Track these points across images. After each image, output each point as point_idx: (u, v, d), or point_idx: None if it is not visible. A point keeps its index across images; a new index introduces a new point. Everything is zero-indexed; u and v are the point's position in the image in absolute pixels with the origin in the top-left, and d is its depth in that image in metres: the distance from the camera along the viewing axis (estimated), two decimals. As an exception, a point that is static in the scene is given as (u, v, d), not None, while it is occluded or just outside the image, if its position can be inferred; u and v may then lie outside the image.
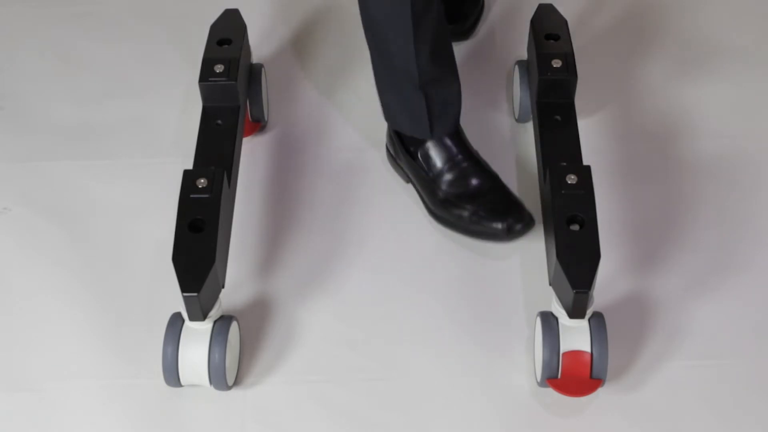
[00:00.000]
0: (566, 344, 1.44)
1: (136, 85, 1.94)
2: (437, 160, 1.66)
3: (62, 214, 1.73)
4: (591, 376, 1.44)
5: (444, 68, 1.60)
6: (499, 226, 1.62)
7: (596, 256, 1.42)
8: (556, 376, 1.44)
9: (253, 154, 1.80)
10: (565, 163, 1.56)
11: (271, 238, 1.70)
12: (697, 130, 1.83)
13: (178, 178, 1.52)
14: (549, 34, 1.72)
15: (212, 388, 1.48)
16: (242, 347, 1.55)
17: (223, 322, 1.47)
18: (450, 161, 1.65)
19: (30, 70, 1.98)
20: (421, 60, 1.53)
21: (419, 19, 1.48)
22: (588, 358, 1.43)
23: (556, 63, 1.67)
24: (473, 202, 1.64)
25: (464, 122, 1.68)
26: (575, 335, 1.44)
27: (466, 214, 1.63)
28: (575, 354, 1.44)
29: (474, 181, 1.65)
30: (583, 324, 1.44)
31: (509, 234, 1.62)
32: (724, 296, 1.60)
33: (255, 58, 1.84)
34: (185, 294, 1.41)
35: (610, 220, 1.66)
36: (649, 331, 1.57)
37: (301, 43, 2.00)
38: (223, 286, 1.49)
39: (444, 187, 1.65)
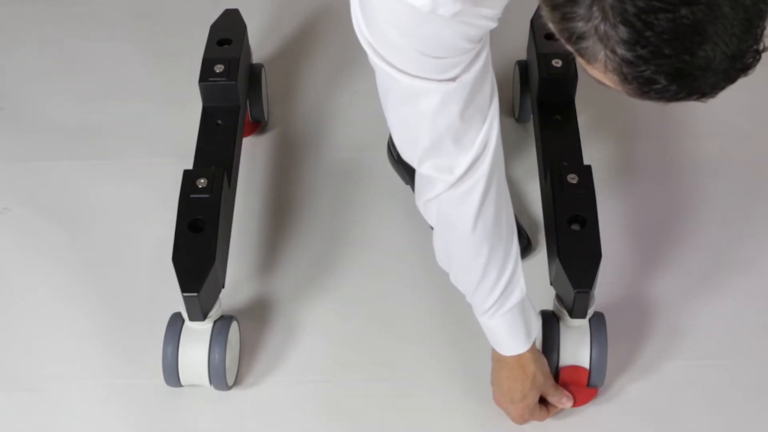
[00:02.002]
0: (566, 349, 1.44)
1: (136, 85, 1.94)
2: None
3: (62, 214, 1.73)
4: (588, 385, 1.44)
5: None
6: None
7: (597, 256, 1.42)
8: (556, 376, 1.44)
9: (253, 154, 1.80)
10: (565, 163, 1.56)
11: (271, 237, 1.69)
12: (697, 130, 1.83)
13: (178, 178, 1.52)
14: (549, 33, 1.70)
15: (212, 388, 1.48)
16: (242, 347, 1.55)
17: (223, 322, 1.47)
18: None
19: (30, 70, 1.97)
20: None
21: None
22: (585, 374, 1.44)
23: (557, 62, 1.67)
24: None
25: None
26: (576, 334, 1.44)
27: None
28: (573, 369, 1.44)
29: None
30: (583, 324, 1.44)
31: None
32: (725, 296, 1.60)
33: (255, 58, 1.84)
34: (185, 294, 1.41)
35: (610, 219, 1.66)
36: (649, 331, 1.56)
37: (301, 43, 2.00)
38: (223, 286, 1.49)
39: None
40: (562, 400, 1.43)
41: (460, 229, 1.25)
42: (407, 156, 1.23)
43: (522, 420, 1.44)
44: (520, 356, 1.38)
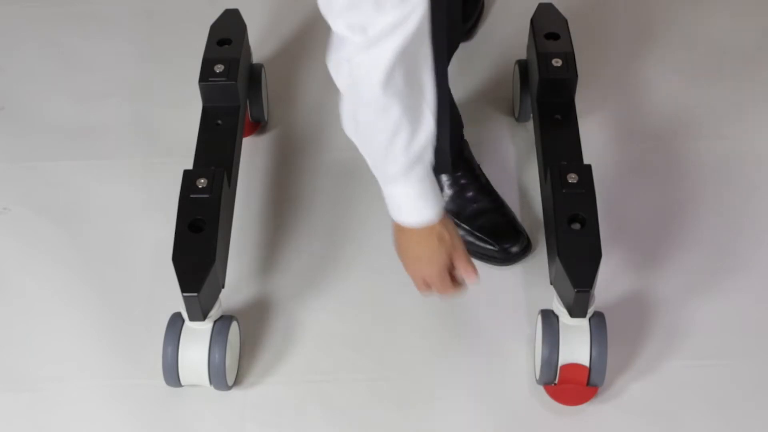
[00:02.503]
0: (566, 347, 1.44)
1: (136, 85, 1.94)
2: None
3: (62, 214, 1.73)
4: (588, 384, 1.44)
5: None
6: (495, 248, 1.61)
7: (597, 255, 1.42)
8: (555, 375, 1.44)
9: (253, 154, 1.80)
10: (565, 162, 1.56)
11: (271, 238, 1.69)
12: (697, 130, 1.82)
13: (178, 178, 1.52)
14: (549, 33, 1.72)
15: (212, 388, 1.48)
16: (242, 347, 1.55)
17: (223, 322, 1.47)
18: (450, 177, 1.64)
19: (30, 70, 1.97)
20: None
21: None
22: (585, 372, 1.43)
23: (557, 62, 1.67)
24: (471, 223, 1.63)
25: (464, 122, 1.68)
26: (576, 334, 1.44)
27: (461, 233, 1.58)
28: (573, 366, 1.44)
29: (473, 201, 1.64)
30: (583, 323, 1.44)
31: (505, 257, 1.61)
32: (724, 296, 1.60)
33: (255, 58, 1.84)
34: (185, 294, 1.41)
35: (610, 219, 1.66)
36: (649, 331, 1.56)
37: (301, 43, 2.00)
38: (223, 286, 1.49)
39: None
40: (468, 272, 1.38)
41: (367, 92, 1.22)
42: (323, 10, 1.21)
43: (424, 285, 1.41)
44: (431, 226, 1.35)
